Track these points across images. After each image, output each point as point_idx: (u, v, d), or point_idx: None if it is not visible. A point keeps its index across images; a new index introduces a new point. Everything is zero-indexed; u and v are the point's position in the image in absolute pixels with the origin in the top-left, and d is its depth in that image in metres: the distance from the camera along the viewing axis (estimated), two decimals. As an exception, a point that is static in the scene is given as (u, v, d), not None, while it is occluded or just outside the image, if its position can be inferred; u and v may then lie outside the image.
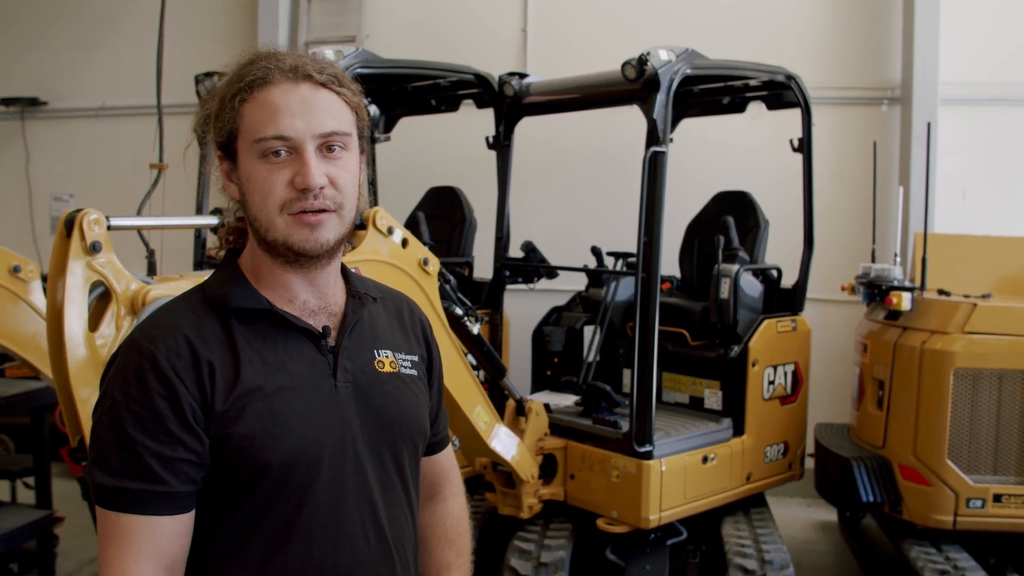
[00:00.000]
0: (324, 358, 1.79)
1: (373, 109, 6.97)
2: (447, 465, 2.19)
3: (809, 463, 6.23)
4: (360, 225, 4.08)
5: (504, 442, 4.98)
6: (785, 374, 5.88)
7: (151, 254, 5.35)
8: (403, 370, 1.92)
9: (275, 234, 1.71)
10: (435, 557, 2.11)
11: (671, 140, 6.46)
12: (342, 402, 1.78)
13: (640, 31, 7.52)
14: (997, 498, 5.24)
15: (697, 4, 7.89)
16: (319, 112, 1.71)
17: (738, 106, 6.66)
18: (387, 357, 1.90)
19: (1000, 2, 7.63)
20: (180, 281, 3.37)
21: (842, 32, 7.79)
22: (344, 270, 1.92)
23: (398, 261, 4.26)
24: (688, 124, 6.97)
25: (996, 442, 5.30)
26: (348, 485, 1.77)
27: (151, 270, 5.43)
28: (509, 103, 6.18)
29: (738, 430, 5.64)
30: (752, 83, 6.17)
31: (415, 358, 1.98)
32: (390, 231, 4.21)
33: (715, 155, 7.60)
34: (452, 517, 2.17)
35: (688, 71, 5.19)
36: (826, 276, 6.90)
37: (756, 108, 6.65)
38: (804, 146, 6.09)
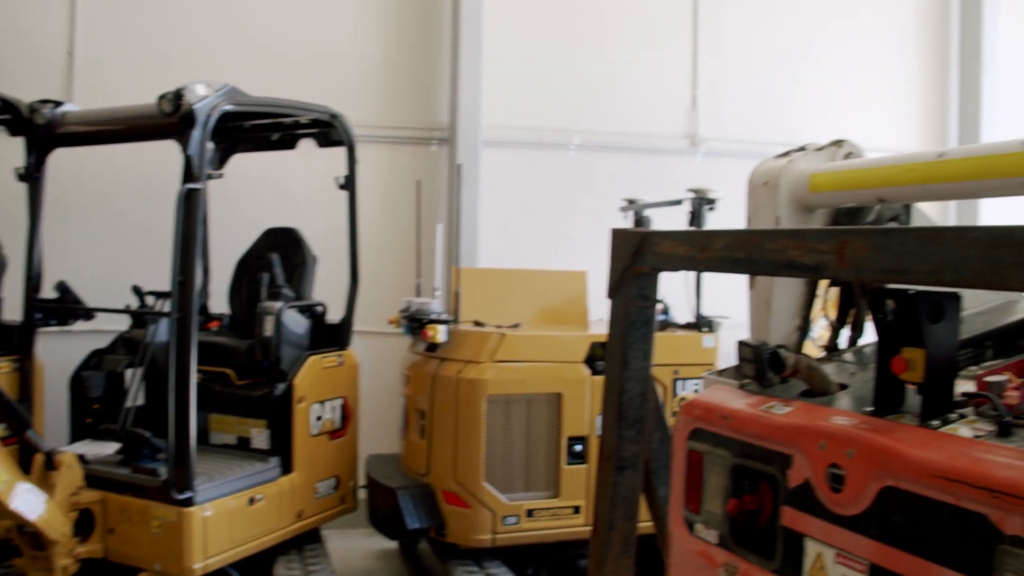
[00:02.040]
0: None
1: None
2: None
3: (363, 494, 6.36)
4: None
5: (28, 501, 4.61)
6: (333, 408, 5.97)
7: None
8: None
9: None
10: None
11: (221, 175, 6.39)
12: None
13: (198, 64, 7.33)
14: (530, 513, 5.69)
15: (260, 46, 7.77)
16: None
17: (288, 143, 6.71)
18: None
19: (533, 56, 8.34)
20: None
21: (396, 76, 8.10)
22: None
23: None
24: (244, 160, 6.89)
25: (527, 461, 5.74)
26: None
27: None
28: (41, 132, 5.74)
29: (286, 468, 5.63)
30: (301, 120, 6.26)
31: None
32: None
33: (272, 191, 7.58)
34: None
35: (228, 107, 5.17)
36: (378, 310, 7.11)
37: (308, 145, 6.72)
38: (349, 183, 6.26)
